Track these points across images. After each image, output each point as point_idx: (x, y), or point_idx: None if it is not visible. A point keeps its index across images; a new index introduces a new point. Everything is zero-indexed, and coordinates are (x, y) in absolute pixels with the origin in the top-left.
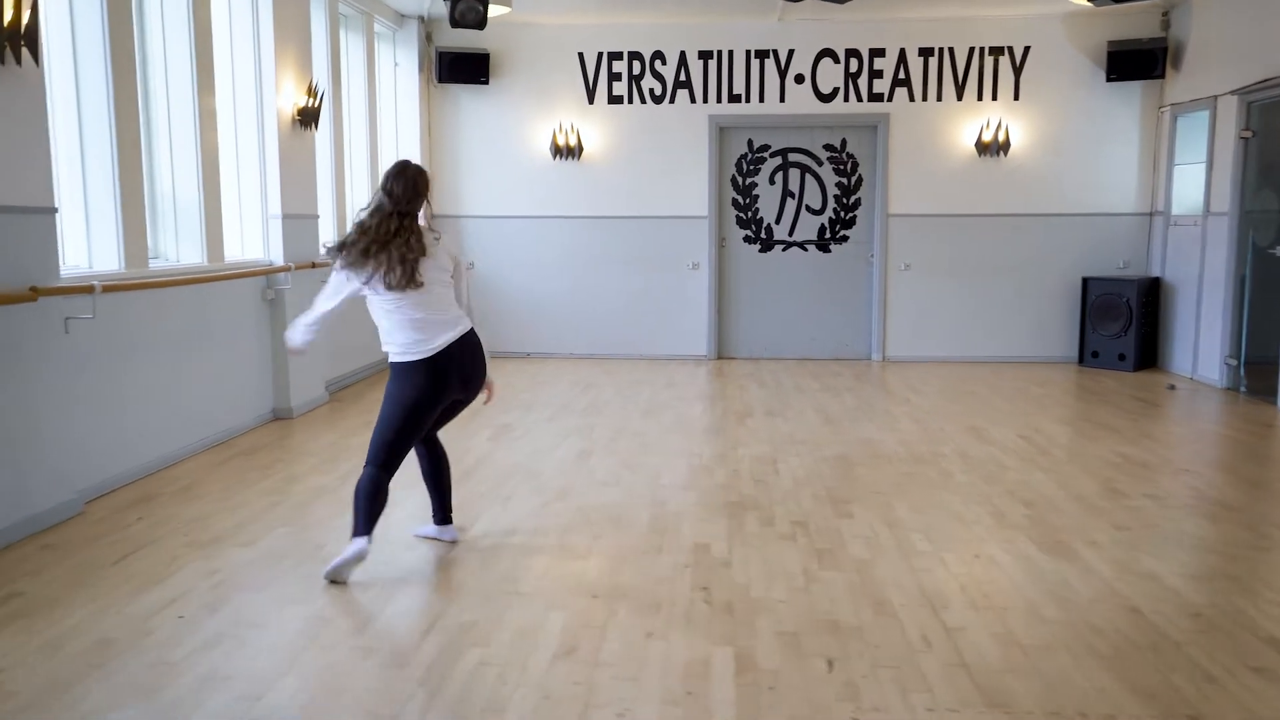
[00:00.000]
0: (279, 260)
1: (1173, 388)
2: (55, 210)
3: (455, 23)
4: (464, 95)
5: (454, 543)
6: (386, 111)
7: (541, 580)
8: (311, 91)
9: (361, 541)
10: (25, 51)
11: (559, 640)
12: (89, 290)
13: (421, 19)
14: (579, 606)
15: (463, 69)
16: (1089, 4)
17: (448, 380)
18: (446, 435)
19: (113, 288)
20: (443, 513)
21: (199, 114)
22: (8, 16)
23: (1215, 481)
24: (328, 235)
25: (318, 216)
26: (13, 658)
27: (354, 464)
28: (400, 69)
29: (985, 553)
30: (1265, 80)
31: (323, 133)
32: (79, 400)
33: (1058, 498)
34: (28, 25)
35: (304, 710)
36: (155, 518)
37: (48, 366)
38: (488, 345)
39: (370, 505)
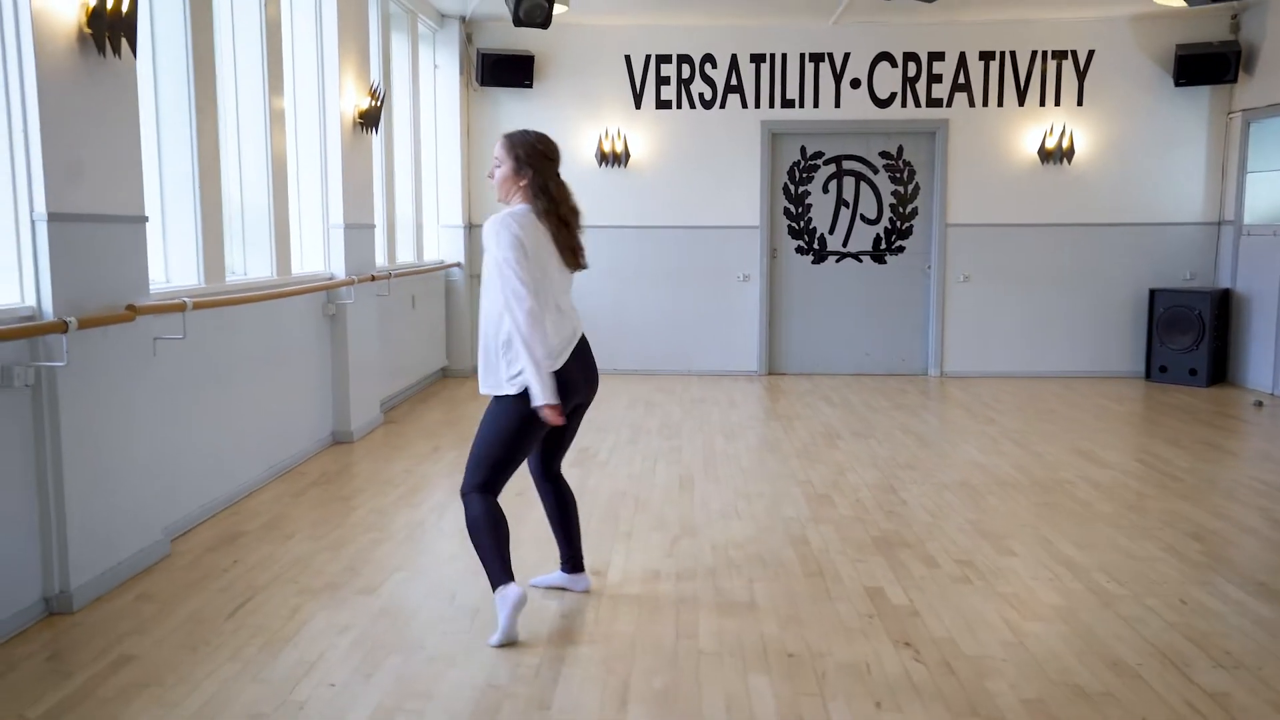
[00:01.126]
0: (340, 273)
1: (1260, 404)
2: (146, 219)
3: (519, 21)
4: (506, 99)
5: (586, 592)
6: (427, 115)
7: (721, 636)
8: (374, 93)
9: (513, 590)
10: (124, 43)
11: (778, 711)
12: (180, 308)
13: (463, 19)
14: (780, 668)
15: (505, 71)
16: (1181, 3)
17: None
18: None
19: (203, 304)
20: (573, 559)
21: (269, 117)
22: (110, 1)
23: None
24: (381, 246)
25: (374, 226)
26: None
27: (440, 496)
28: (440, 71)
29: (1191, 597)
30: None
31: (378, 138)
32: (166, 429)
33: (1224, 530)
34: (127, 12)
35: None
36: (251, 560)
37: (138, 392)
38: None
39: (498, 543)
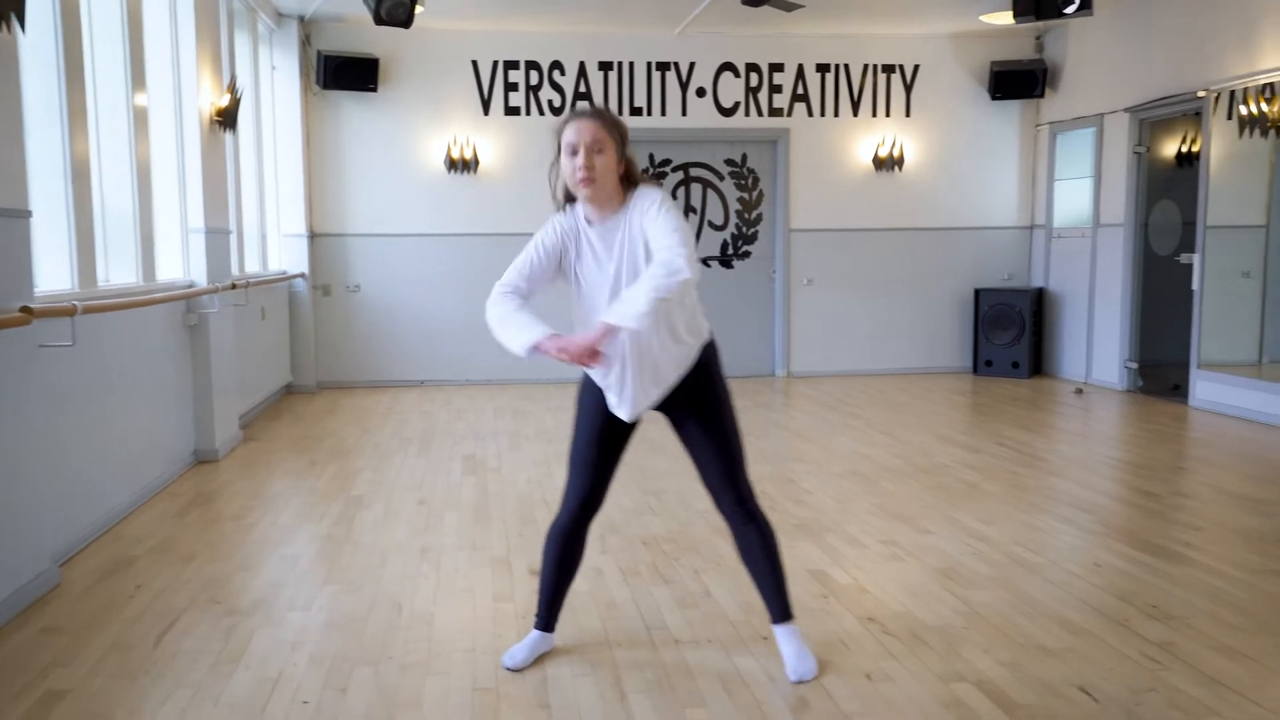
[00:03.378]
0: (201, 280)
1: (1079, 391)
2: (30, 214)
3: (380, 20)
4: (349, 103)
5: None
6: (266, 120)
7: (691, 625)
8: (231, 89)
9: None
10: (14, 17)
11: (775, 690)
12: (70, 312)
13: (301, 19)
14: (761, 650)
15: (348, 75)
16: (1003, 22)
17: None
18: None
19: (94, 309)
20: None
21: (133, 117)
22: None
23: (1220, 479)
24: (234, 254)
25: (230, 232)
26: None
27: (339, 509)
28: (278, 73)
29: (1103, 561)
30: (1159, 99)
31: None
32: (51, 447)
33: (1103, 501)
34: None
35: None
36: (156, 585)
37: (26, 405)
38: (378, 375)
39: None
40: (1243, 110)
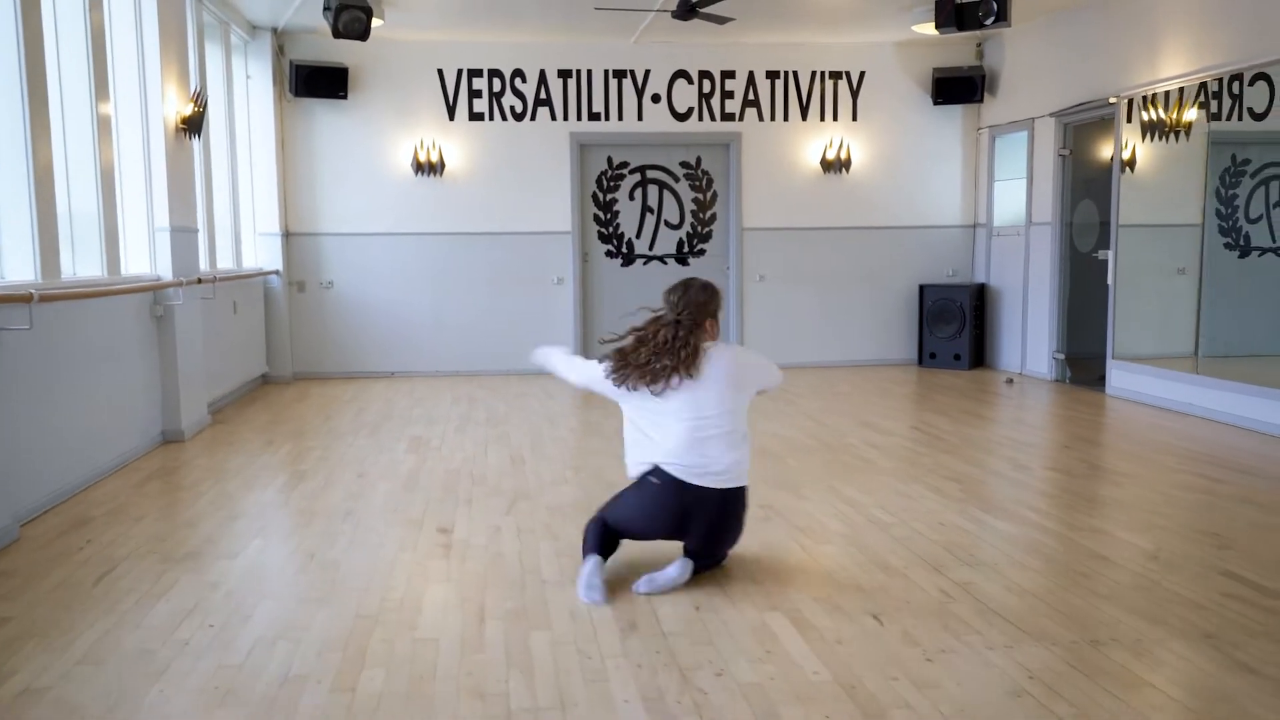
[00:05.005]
0: (167, 275)
1: (1010, 381)
2: None
3: (338, 33)
4: (321, 110)
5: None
6: (242, 125)
7: (562, 569)
8: (195, 99)
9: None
10: None
11: (613, 619)
12: (27, 299)
13: (274, 30)
14: (614, 591)
15: (319, 83)
16: (934, 32)
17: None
18: (368, 447)
19: (53, 297)
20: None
21: (96, 124)
22: None
23: (1096, 455)
24: (203, 251)
25: (197, 230)
26: (55, 672)
27: (284, 480)
28: (253, 81)
29: (949, 521)
30: (1080, 104)
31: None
32: (14, 422)
33: (978, 474)
34: None
35: (396, 696)
36: (105, 539)
37: None
38: (350, 366)
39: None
40: (1144, 116)
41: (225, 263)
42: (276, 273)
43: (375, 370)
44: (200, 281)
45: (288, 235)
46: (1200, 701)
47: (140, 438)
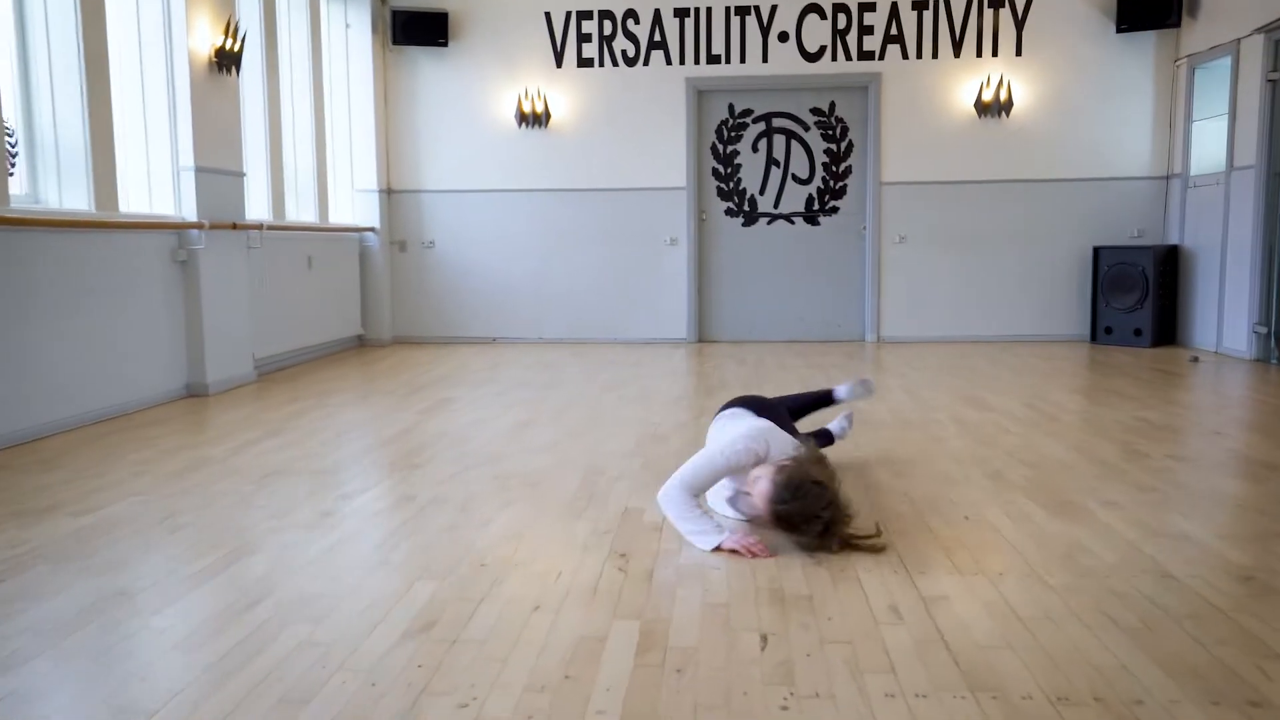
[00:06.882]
0: (190, 217)
1: (1196, 360)
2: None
3: None
4: (422, 58)
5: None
6: (339, 75)
7: (507, 528)
8: (230, 31)
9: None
10: None
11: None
12: None
13: None
14: (459, 575)
15: (419, 30)
16: None
17: None
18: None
19: (11, 220)
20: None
21: (84, 47)
22: None
23: (1253, 443)
24: (259, 197)
25: (244, 174)
26: None
27: (287, 431)
28: (352, 30)
29: (977, 515)
30: None
31: (253, 85)
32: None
33: (1067, 459)
34: None
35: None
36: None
37: None
38: (451, 331)
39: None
40: None
41: (305, 215)
42: (373, 230)
43: (478, 336)
44: (236, 227)
45: (389, 192)
46: None
47: (155, 389)
